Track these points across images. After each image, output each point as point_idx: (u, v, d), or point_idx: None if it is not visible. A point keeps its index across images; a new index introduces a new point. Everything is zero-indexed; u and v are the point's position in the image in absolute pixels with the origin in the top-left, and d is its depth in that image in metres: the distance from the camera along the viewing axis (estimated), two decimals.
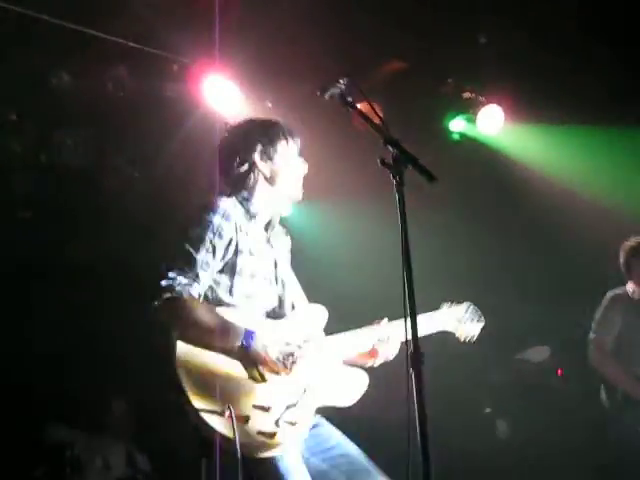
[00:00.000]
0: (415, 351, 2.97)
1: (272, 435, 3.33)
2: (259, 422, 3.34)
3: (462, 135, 7.73)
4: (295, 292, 3.97)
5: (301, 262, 4.22)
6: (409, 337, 2.97)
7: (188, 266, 3.47)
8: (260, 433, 3.32)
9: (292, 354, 3.51)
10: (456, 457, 7.06)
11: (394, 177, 3.14)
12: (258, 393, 3.43)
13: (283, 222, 4.05)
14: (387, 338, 3.91)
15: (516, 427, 7.39)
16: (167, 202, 7.21)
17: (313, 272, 4.52)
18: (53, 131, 7.05)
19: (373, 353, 3.95)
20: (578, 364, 7.12)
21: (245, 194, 3.80)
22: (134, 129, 7.02)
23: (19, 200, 7.25)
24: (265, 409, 3.39)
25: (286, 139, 3.86)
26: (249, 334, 3.44)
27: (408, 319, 2.98)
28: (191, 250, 3.50)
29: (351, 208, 7.26)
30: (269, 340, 3.49)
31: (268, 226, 3.89)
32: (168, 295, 3.38)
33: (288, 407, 3.46)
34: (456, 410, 7.58)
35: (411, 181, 3.14)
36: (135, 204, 7.39)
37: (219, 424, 3.25)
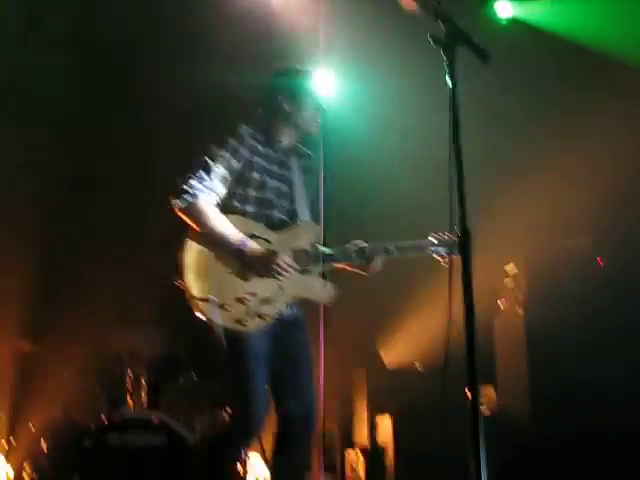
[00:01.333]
0: (464, 234, 2.95)
1: (241, 321, 4.28)
2: (235, 310, 4.28)
3: (509, 20, 7.62)
4: (302, 210, 4.72)
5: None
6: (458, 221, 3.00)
7: (208, 177, 4.37)
8: (234, 319, 4.27)
9: (273, 261, 4.34)
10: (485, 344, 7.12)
11: (445, 55, 3.08)
12: (239, 288, 4.33)
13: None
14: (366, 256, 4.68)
15: (550, 316, 7.35)
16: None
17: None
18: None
19: (350, 266, 4.75)
20: (620, 255, 7.07)
21: (269, 125, 4.71)
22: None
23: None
24: (242, 301, 4.30)
25: (310, 89, 4.71)
26: (243, 240, 4.34)
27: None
28: (211, 164, 4.39)
29: (398, 87, 7.18)
30: (259, 247, 4.38)
31: (289, 151, 4.77)
32: (187, 199, 4.33)
33: (262, 302, 4.34)
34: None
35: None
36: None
37: (206, 309, 4.23)
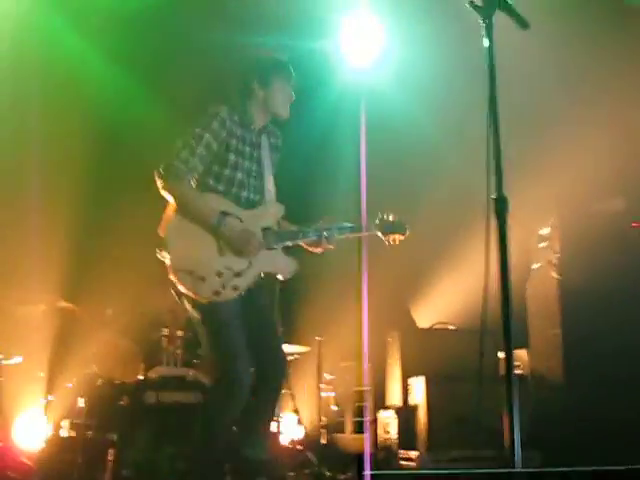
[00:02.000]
0: (500, 200, 2.98)
1: (218, 293, 4.63)
2: (212, 282, 4.64)
3: None
4: (270, 187, 5.09)
5: None
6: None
7: (190, 157, 4.69)
8: (212, 291, 4.63)
9: (246, 238, 4.72)
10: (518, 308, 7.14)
11: (483, 20, 3.08)
12: (217, 262, 4.69)
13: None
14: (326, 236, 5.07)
15: (585, 280, 7.33)
16: None
17: None
18: None
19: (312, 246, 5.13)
20: None
21: (244, 107, 5.00)
22: None
23: None
24: (219, 274, 4.66)
25: (281, 76, 5.04)
26: (221, 217, 4.68)
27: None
28: (194, 146, 4.71)
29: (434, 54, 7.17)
30: (234, 224, 4.73)
31: (261, 131, 5.08)
32: (172, 179, 4.66)
33: (235, 275, 4.71)
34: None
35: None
36: None
37: (187, 281, 4.60)
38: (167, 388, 6.42)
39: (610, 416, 6.36)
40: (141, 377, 6.80)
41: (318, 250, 5.15)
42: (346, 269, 6.82)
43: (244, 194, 4.93)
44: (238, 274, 4.74)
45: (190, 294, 4.64)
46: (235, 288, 4.72)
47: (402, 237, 5.30)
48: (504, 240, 2.91)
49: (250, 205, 4.96)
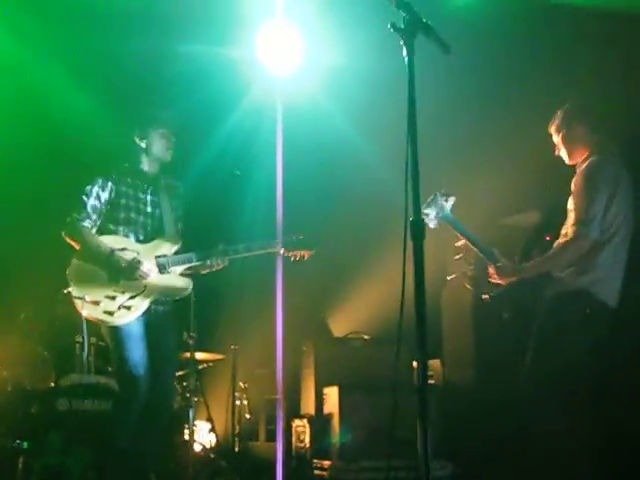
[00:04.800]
0: (418, 221, 3.01)
1: (112, 313, 5.41)
2: (106, 305, 5.42)
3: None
4: (169, 226, 5.82)
5: None
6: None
7: (82, 209, 5.58)
8: (105, 312, 5.41)
9: (136, 267, 5.48)
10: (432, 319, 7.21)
11: (405, 43, 3.15)
12: (110, 288, 5.47)
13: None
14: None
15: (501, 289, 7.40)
16: None
17: None
18: None
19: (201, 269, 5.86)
20: None
21: (132, 159, 5.88)
22: None
23: None
24: (112, 298, 5.44)
25: (157, 127, 5.84)
26: (111, 251, 5.49)
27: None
28: (84, 199, 5.61)
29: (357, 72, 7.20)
30: (124, 256, 5.52)
31: (155, 179, 5.91)
32: (69, 227, 5.56)
33: (130, 297, 5.46)
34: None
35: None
36: None
37: (79, 305, 5.40)
38: (79, 396, 6.35)
39: (521, 427, 6.45)
40: (52, 384, 6.69)
41: (205, 271, 5.85)
42: (263, 278, 6.81)
43: (142, 232, 5.74)
44: (132, 297, 5.47)
45: (88, 317, 5.44)
46: (129, 309, 5.44)
47: (310, 253, 5.90)
48: (421, 262, 2.96)
49: (149, 241, 5.72)
